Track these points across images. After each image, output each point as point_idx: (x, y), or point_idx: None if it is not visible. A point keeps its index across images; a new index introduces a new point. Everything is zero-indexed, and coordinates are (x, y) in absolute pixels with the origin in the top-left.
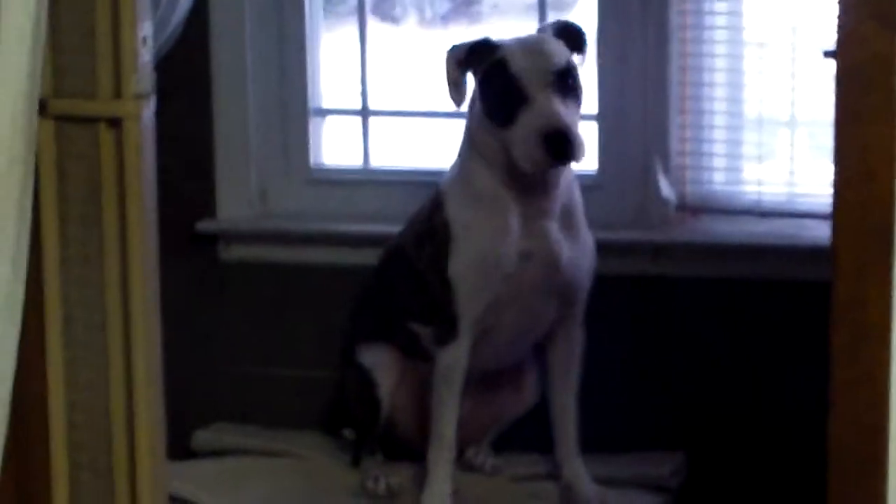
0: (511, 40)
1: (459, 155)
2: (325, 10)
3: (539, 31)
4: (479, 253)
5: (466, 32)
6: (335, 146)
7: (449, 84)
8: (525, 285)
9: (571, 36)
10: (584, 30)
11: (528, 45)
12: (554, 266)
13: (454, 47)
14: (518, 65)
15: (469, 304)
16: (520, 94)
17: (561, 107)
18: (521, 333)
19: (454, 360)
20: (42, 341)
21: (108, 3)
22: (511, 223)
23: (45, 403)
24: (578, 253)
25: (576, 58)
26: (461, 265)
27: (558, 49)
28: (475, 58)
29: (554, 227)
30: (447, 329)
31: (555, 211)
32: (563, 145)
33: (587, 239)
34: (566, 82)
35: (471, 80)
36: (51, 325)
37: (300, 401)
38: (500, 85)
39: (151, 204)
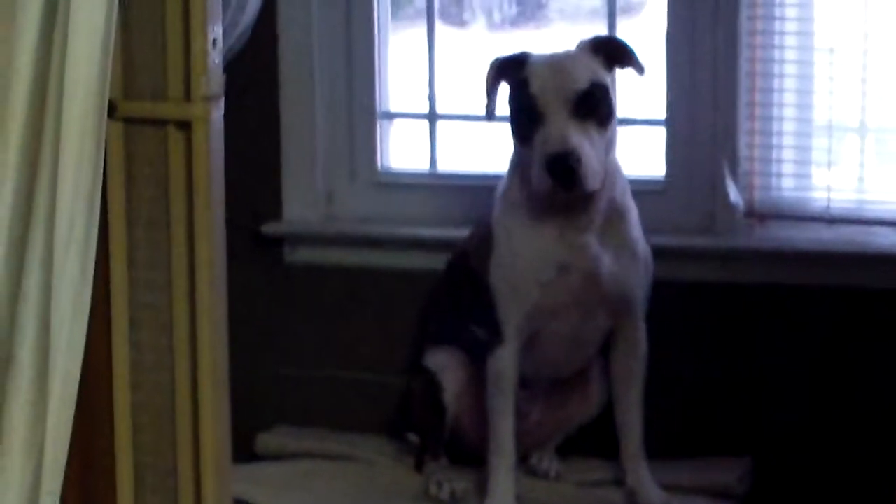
0: (541, 57)
1: (510, 162)
2: (392, 13)
3: (578, 46)
4: (514, 260)
5: (533, 37)
6: (402, 150)
7: (486, 94)
8: (565, 296)
9: (611, 51)
10: (626, 43)
11: (551, 64)
12: (593, 280)
13: (495, 59)
14: (537, 84)
15: (509, 310)
16: (536, 113)
17: (574, 130)
18: (573, 342)
19: (502, 365)
20: (109, 343)
21: (178, 5)
22: (547, 235)
23: (111, 405)
24: (625, 266)
25: (619, 72)
26: (499, 271)
27: (582, 69)
28: (506, 72)
29: (593, 241)
30: (494, 334)
31: (594, 224)
32: (567, 170)
33: (638, 250)
34: (588, 104)
35: None
36: (118, 327)
37: (364, 404)
38: (521, 103)
39: (220, 207)
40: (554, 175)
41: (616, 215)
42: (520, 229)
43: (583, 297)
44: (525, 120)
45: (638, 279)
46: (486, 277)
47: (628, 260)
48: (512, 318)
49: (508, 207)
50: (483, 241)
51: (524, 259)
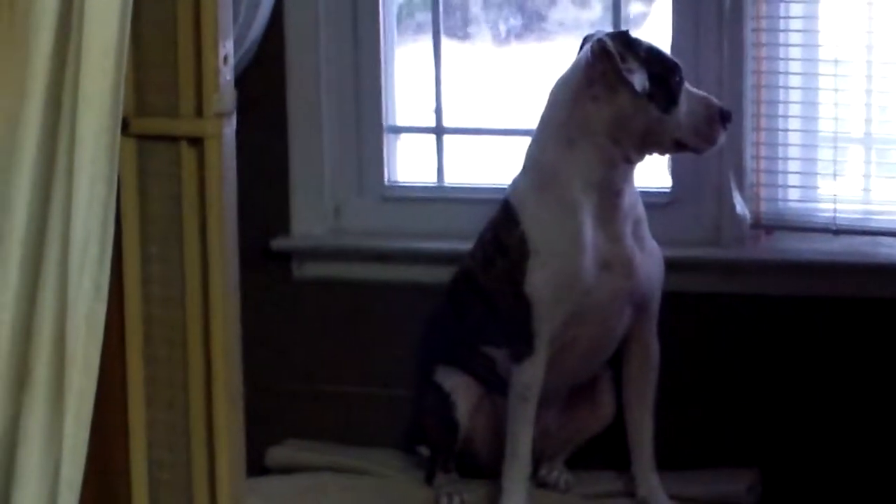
0: None
1: (531, 167)
2: (397, 27)
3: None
4: (558, 267)
5: (535, 50)
6: (409, 163)
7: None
8: (602, 295)
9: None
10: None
11: None
12: (629, 271)
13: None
14: None
15: (547, 319)
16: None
17: None
18: (595, 347)
19: (531, 376)
20: (123, 359)
21: (190, 22)
22: (588, 229)
23: (125, 421)
24: (649, 260)
25: None
26: (540, 280)
27: None
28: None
29: (628, 232)
30: (523, 346)
31: (628, 214)
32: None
33: (654, 247)
34: None
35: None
36: (131, 342)
37: (373, 418)
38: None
39: (232, 223)
40: (726, 123)
41: (638, 209)
42: (560, 234)
43: (618, 294)
44: (676, 84)
45: (659, 276)
46: (522, 287)
47: (650, 256)
48: (547, 327)
49: (540, 212)
50: (508, 253)
51: (568, 265)
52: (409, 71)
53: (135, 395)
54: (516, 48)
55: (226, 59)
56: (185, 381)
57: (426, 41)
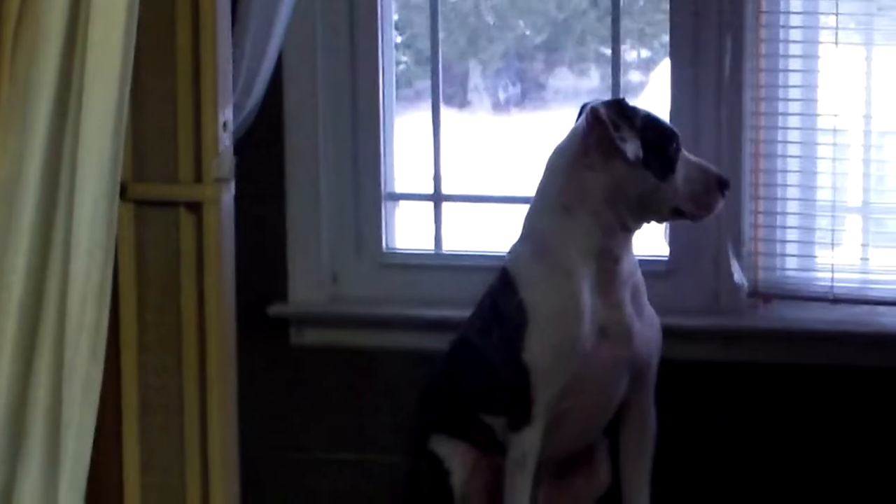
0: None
1: (529, 235)
2: (396, 95)
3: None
4: (557, 335)
5: (533, 119)
6: (407, 230)
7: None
8: (601, 363)
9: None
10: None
11: None
12: (628, 339)
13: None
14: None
15: (545, 387)
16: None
17: None
18: (593, 415)
19: (528, 445)
20: (119, 425)
21: (189, 88)
22: (586, 297)
23: (120, 487)
24: (647, 328)
25: None
26: (538, 348)
27: None
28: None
29: (627, 299)
30: (521, 415)
31: (626, 282)
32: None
33: (653, 315)
34: None
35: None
36: (128, 408)
37: (372, 486)
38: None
39: (230, 288)
40: (724, 190)
41: (636, 277)
42: (558, 301)
43: (616, 361)
44: (674, 152)
45: (657, 344)
46: (520, 355)
47: (648, 324)
48: (546, 395)
49: (538, 279)
50: (506, 321)
51: (566, 333)
52: (407, 138)
53: (130, 460)
54: (515, 117)
55: (225, 125)
56: (181, 448)
57: (425, 109)
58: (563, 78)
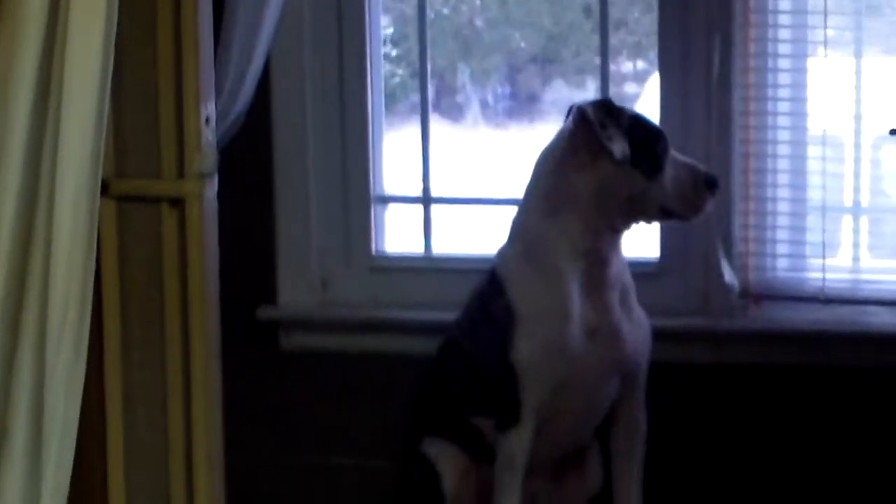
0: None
1: (517, 237)
2: (388, 107)
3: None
4: (545, 335)
5: (527, 131)
6: (397, 234)
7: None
8: (590, 364)
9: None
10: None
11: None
12: (616, 341)
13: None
14: None
15: (534, 388)
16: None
17: None
18: (583, 417)
19: (517, 446)
20: (103, 423)
21: (171, 83)
22: (575, 298)
23: (104, 486)
24: (636, 329)
25: None
26: (526, 348)
27: None
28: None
29: (615, 301)
30: (510, 415)
31: (615, 283)
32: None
33: (642, 315)
34: None
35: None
36: (111, 407)
37: (360, 490)
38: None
39: (214, 284)
40: (713, 189)
41: (625, 278)
42: (547, 302)
43: (605, 363)
44: (661, 151)
45: (647, 346)
46: (509, 355)
47: (637, 325)
48: (535, 396)
49: (527, 281)
50: (494, 322)
51: (554, 333)
52: (398, 143)
53: (114, 460)
54: (510, 129)
55: (207, 120)
56: (165, 447)
57: (418, 117)
58: (557, 90)
